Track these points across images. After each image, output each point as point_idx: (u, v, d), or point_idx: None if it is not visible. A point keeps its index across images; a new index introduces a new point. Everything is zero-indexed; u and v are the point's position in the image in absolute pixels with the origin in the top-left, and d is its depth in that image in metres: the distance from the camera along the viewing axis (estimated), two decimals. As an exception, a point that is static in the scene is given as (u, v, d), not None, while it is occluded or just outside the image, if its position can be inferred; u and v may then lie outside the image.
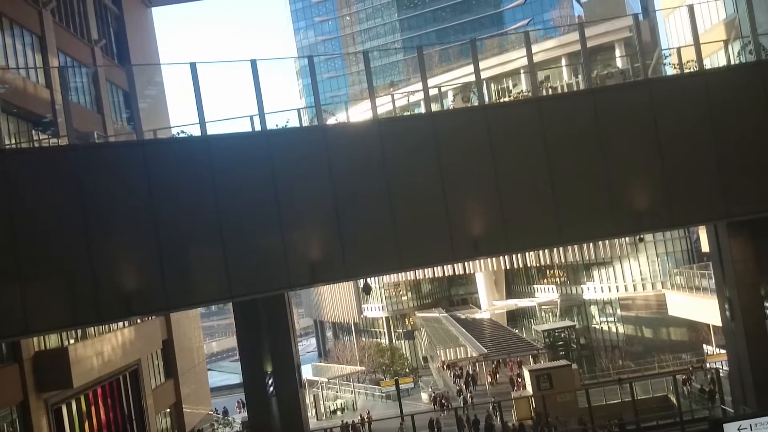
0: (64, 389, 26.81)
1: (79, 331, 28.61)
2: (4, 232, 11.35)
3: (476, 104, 15.21)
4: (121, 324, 32.50)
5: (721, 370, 36.20)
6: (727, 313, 17.51)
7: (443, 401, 48.00)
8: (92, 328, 29.72)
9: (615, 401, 39.04)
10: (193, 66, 12.58)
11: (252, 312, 13.82)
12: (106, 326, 31.23)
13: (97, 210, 12.10)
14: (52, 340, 27.30)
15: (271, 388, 14.14)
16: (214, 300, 13.47)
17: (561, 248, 69.35)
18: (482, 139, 14.26)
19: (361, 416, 43.23)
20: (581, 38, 15.97)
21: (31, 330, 11.48)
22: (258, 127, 13.31)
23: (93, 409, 30.37)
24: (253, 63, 12.75)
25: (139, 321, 35.88)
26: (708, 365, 43.73)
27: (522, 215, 14.51)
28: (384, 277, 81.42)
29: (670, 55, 19.65)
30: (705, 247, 46.54)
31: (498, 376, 54.34)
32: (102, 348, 29.53)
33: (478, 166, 14.36)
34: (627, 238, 66.40)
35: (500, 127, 14.44)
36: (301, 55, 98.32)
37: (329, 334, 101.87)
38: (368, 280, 16.51)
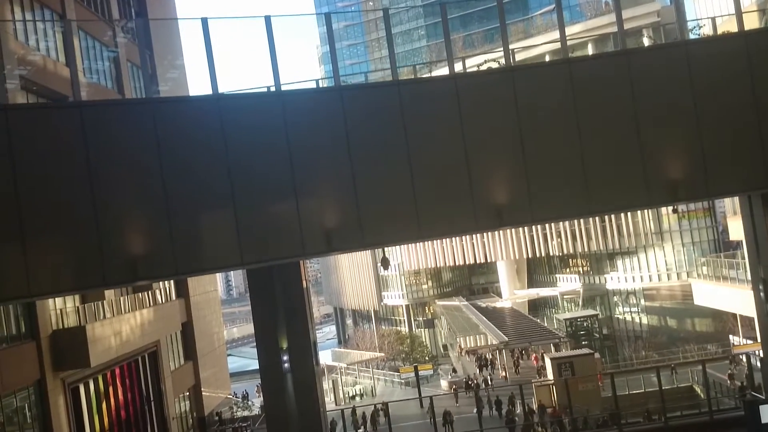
0: (82, 368, 26.67)
1: (98, 311, 28.50)
2: (6, 192, 10.96)
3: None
4: (140, 304, 32.40)
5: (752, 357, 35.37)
6: (762, 294, 16.76)
7: (469, 382, 47.49)
8: (111, 309, 29.62)
9: (638, 391, 38.38)
10: (204, 21, 12.15)
11: (267, 283, 13.34)
12: (125, 306, 31.12)
13: (103, 170, 11.67)
14: (71, 319, 27.19)
15: (286, 365, 13.68)
16: (224, 267, 13.00)
17: (585, 237, 68.56)
18: (508, 103, 13.56)
19: (375, 406, 42.48)
20: (616, 10, 15.16)
21: (34, 293, 11.09)
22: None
23: (111, 389, 30.27)
24: (267, 19, 12.32)
25: (161, 300, 35.80)
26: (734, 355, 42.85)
27: (548, 184, 13.79)
28: (404, 264, 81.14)
29: (704, 25, 18.83)
30: (732, 236, 45.52)
31: (520, 368, 53.57)
32: (120, 328, 29.39)
33: (503, 131, 13.66)
34: (651, 227, 65.42)
35: (527, 90, 13.71)
36: (319, 19, 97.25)
37: (349, 321, 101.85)
38: (387, 254, 16.01)
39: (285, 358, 13.65)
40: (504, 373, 51.66)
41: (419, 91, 13.75)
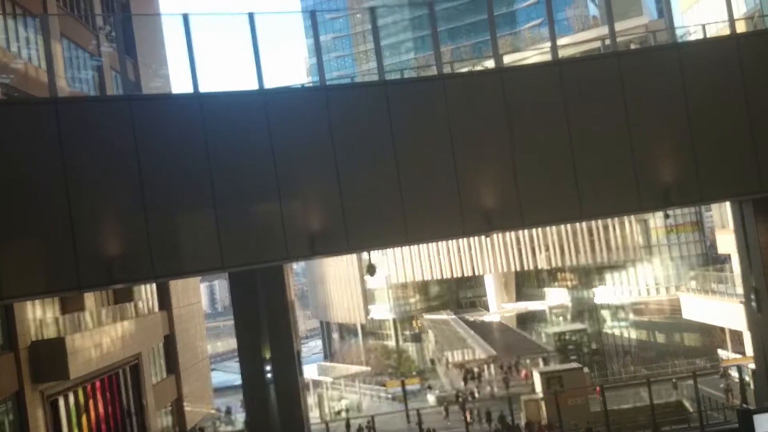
0: (61, 380, 26.06)
1: (78, 322, 27.90)
2: None
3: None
4: (121, 316, 31.81)
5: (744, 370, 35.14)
6: (753, 304, 16.47)
7: (458, 396, 47.01)
8: (92, 320, 29.03)
9: (627, 406, 38.09)
10: (185, 17, 11.79)
11: (250, 289, 12.93)
12: (106, 318, 30.54)
13: (78, 168, 11.24)
14: (51, 330, 26.60)
15: (269, 375, 13.24)
16: (204, 270, 12.58)
17: (573, 250, 68.44)
18: (498, 104, 13.30)
19: (360, 425, 41.74)
20: (608, 13, 14.89)
21: (5, 295, 10.64)
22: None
23: (91, 402, 29.60)
24: (251, 16, 12.00)
25: (144, 312, 35.19)
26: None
27: (539, 187, 13.53)
28: (391, 278, 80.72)
29: (695, 32, 18.62)
30: (721, 249, 45.46)
31: (510, 384, 52.89)
32: (101, 340, 28.77)
33: (493, 133, 13.39)
34: (640, 241, 65.43)
35: (517, 91, 13.46)
36: (307, 31, 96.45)
37: (335, 335, 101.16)
38: (372, 260, 15.61)
39: (268, 368, 13.22)
40: (490, 388, 51.12)
41: (406, 91, 13.46)
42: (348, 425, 36.78)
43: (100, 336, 28.80)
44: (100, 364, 28.87)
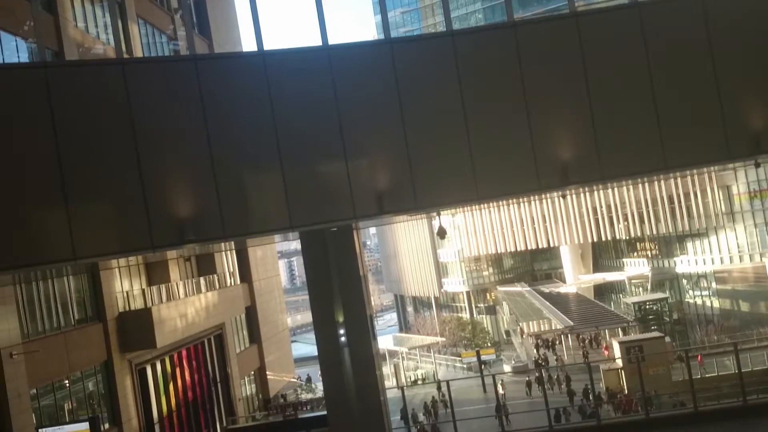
0: (148, 349, 27.22)
1: (164, 293, 28.98)
2: (48, 152, 10.88)
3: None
4: (204, 288, 32.89)
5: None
6: None
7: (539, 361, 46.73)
8: (176, 291, 30.12)
9: (712, 374, 37.03)
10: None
11: (320, 251, 13.04)
12: (190, 289, 31.62)
13: (148, 130, 11.36)
14: (137, 302, 27.76)
15: (342, 339, 13.44)
16: (273, 230, 12.60)
17: (653, 219, 66.49)
18: (573, 51, 12.66)
19: (432, 397, 41.84)
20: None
21: (78, 256, 10.92)
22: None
23: (177, 370, 30.83)
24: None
25: (228, 283, 36.26)
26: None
27: (618, 138, 12.80)
28: (464, 251, 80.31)
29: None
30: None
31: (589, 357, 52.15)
32: (186, 310, 29.87)
33: (568, 81, 12.76)
34: (722, 208, 62.97)
35: (594, 37, 12.79)
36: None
37: (410, 309, 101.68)
38: (443, 223, 15.49)
39: (342, 331, 13.43)
40: (565, 356, 50.56)
41: (475, 42, 13.00)
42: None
43: (185, 306, 29.88)
44: (186, 333, 29.98)
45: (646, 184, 65.04)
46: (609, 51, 12.96)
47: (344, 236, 12.93)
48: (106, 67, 12.45)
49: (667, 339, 45.17)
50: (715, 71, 12.78)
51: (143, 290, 28.43)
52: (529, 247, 77.44)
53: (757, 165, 14.40)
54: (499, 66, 12.68)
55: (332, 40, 12.53)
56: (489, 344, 69.60)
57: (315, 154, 12.18)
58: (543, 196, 26.83)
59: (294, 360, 53.21)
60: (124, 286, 27.91)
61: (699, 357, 38.91)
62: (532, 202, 73.48)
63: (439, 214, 16.09)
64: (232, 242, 17.83)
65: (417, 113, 12.32)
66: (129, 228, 11.31)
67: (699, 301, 66.90)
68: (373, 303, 17.30)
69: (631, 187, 65.25)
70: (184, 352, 31.41)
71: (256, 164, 12.04)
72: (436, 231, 16.04)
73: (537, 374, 42.27)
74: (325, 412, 16.93)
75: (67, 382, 23.30)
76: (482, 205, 43.12)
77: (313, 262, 13.28)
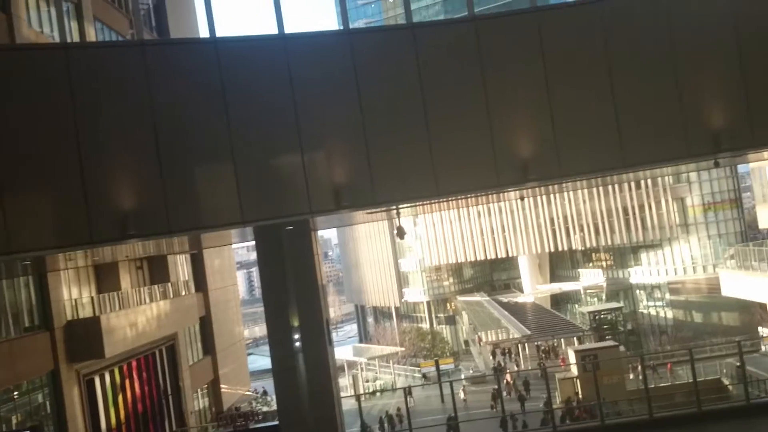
0: (97, 359, 26.38)
1: (114, 302, 28.19)
2: None
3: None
4: (156, 296, 32.09)
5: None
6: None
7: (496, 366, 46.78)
8: (126, 300, 29.32)
9: (664, 384, 37.50)
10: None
11: (276, 250, 12.64)
12: (141, 297, 30.84)
13: (90, 116, 10.85)
14: (86, 310, 26.95)
15: (297, 344, 13.06)
16: (223, 225, 12.17)
17: (608, 230, 67.45)
18: (532, 46, 12.57)
19: (389, 414, 41.29)
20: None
21: (13, 249, 10.41)
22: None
23: (127, 381, 29.95)
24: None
25: (181, 292, 35.48)
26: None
27: (578, 134, 12.71)
28: (425, 260, 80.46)
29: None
30: (762, 224, 44.36)
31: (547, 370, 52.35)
32: (136, 319, 29.05)
33: (528, 77, 12.67)
34: (677, 219, 64.20)
35: (554, 31, 12.72)
36: None
37: (370, 319, 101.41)
38: (402, 223, 15.25)
39: (296, 336, 13.05)
40: (522, 364, 50.83)
41: (436, 36, 12.84)
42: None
43: (135, 316, 29.08)
44: (136, 343, 29.15)
45: (602, 196, 65.94)
46: (569, 49, 12.90)
47: (301, 236, 12.58)
48: (49, 52, 11.95)
49: (622, 348, 45.64)
50: (676, 70, 12.80)
51: (92, 298, 27.61)
52: (488, 257, 78.04)
53: (716, 165, 14.48)
54: (458, 58, 12.52)
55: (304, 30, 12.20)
56: (448, 354, 69.67)
57: (269, 145, 11.78)
58: (502, 197, 26.76)
59: (250, 373, 52.37)
60: (73, 293, 27.07)
61: (669, 365, 39.42)
62: (492, 213, 74.03)
63: (399, 214, 15.82)
64: (181, 239, 17.16)
65: (376, 106, 12.07)
66: (67, 221, 10.78)
67: (653, 312, 68.02)
68: (333, 313, 16.96)
69: (587, 198, 66.12)
70: (134, 363, 30.55)
71: (206, 154, 11.58)
72: (395, 232, 15.74)
73: (495, 384, 42.26)
74: (277, 422, 16.47)
75: (16, 393, 22.50)
76: (442, 209, 42.99)
77: (267, 262, 12.89)
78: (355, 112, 11.82)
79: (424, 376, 52.53)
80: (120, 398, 29.17)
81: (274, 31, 12.09)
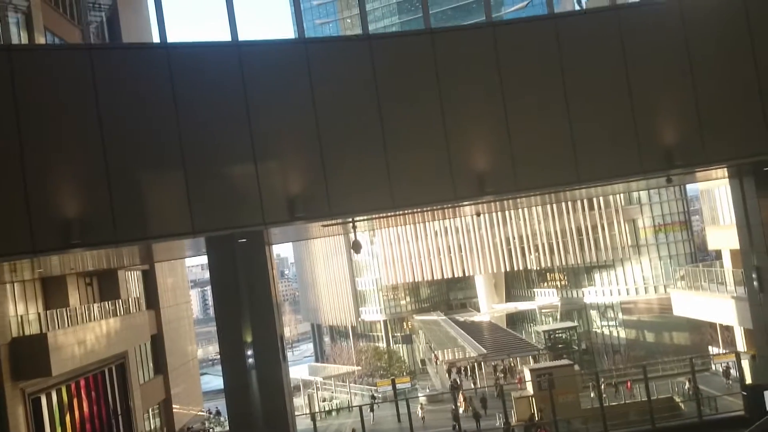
0: (43, 378, 25.51)
1: (61, 319, 27.38)
2: None
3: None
4: (106, 313, 31.28)
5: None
6: (755, 283, 16.09)
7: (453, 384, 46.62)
8: (74, 317, 28.52)
9: (617, 403, 37.80)
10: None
11: (228, 263, 12.40)
12: (91, 314, 30.02)
13: (34, 121, 10.58)
14: (32, 327, 26.09)
15: (250, 360, 12.79)
16: (172, 235, 11.85)
17: (562, 250, 68.33)
18: (488, 60, 12.67)
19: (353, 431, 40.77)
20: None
21: None
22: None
23: (75, 401, 29.04)
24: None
25: (132, 309, 34.65)
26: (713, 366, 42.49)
27: (533, 150, 12.88)
28: (382, 279, 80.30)
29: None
30: (711, 245, 45.38)
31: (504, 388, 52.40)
32: (85, 337, 28.23)
33: (485, 93, 12.76)
34: (628, 240, 65.34)
35: (510, 48, 12.87)
36: None
37: (327, 338, 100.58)
38: (358, 237, 15.13)
39: (249, 352, 12.78)
40: (477, 382, 50.81)
41: (393, 47, 12.85)
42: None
43: (84, 333, 28.28)
44: (85, 361, 28.33)
45: (556, 216, 66.84)
46: (525, 65, 13.08)
47: (255, 249, 12.37)
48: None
49: (576, 367, 46.03)
50: (630, 88, 13.09)
51: (39, 314, 26.74)
52: (445, 276, 78.23)
53: (669, 182, 14.76)
54: (415, 71, 12.56)
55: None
56: (405, 373, 69.42)
57: (222, 154, 11.60)
58: (459, 213, 26.88)
59: (204, 393, 51.32)
60: (19, 309, 26.22)
61: (628, 383, 39.77)
62: (449, 232, 74.34)
63: (355, 227, 15.71)
64: (131, 250, 16.71)
65: (332, 117, 12.01)
66: (7, 229, 10.39)
67: (606, 331, 68.92)
68: (289, 332, 16.65)
69: (542, 218, 66.95)
70: (82, 382, 29.65)
71: (156, 162, 11.32)
72: (351, 246, 15.60)
73: (452, 402, 42.14)
74: (229, 441, 16.08)
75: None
76: (399, 224, 42.99)
77: (220, 275, 12.63)
78: (310, 123, 11.72)
79: (373, 396, 52.09)
80: (67, 418, 28.26)
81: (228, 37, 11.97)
